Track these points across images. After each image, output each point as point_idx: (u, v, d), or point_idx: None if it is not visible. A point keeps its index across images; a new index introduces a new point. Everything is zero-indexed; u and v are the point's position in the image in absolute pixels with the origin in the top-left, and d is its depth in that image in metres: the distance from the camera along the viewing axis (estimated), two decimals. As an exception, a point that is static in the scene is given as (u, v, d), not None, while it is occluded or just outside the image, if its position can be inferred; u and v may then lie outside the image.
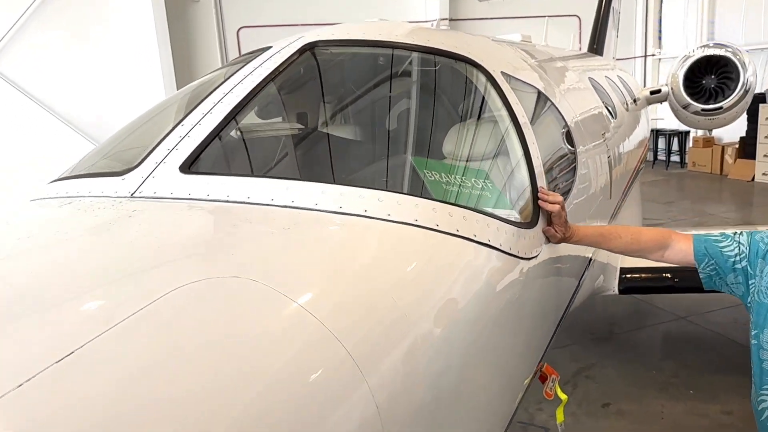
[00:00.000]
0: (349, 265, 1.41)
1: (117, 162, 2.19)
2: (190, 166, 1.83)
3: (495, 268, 1.77)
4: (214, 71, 2.80)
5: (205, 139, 1.91)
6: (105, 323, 1.02)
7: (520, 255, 1.91)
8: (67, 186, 2.00)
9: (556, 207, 2.15)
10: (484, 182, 2.10)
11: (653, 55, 15.58)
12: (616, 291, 4.08)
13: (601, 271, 3.78)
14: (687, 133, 14.06)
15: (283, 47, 2.36)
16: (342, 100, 2.73)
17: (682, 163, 14.36)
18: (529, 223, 2.07)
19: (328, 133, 2.53)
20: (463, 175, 2.10)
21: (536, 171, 2.23)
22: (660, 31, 15.68)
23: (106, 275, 1.26)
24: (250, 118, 2.38)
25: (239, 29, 12.59)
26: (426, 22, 12.99)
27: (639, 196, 6.47)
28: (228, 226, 1.54)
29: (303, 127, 2.51)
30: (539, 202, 2.16)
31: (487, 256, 1.74)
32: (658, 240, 2.25)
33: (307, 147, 2.51)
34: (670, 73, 7.03)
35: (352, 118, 2.68)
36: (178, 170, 1.81)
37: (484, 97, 2.45)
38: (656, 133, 14.12)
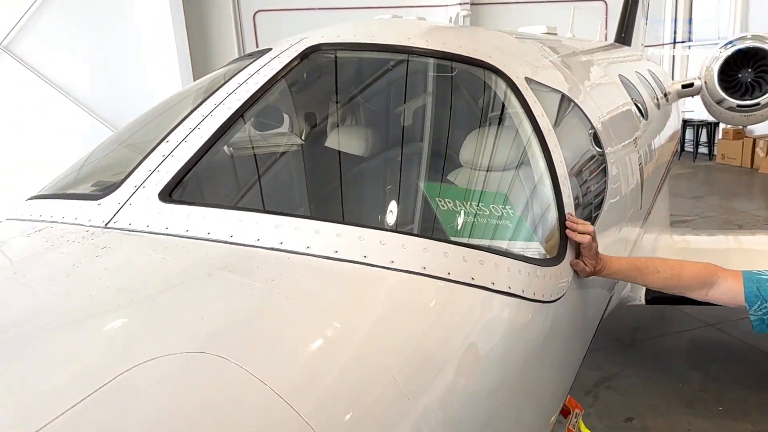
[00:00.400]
0: (342, 336, 1.18)
1: (101, 177, 2.01)
2: (171, 192, 1.63)
3: (515, 319, 1.54)
4: (216, 71, 2.57)
5: (190, 160, 1.71)
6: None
7: (544, 299, 1.67)
8: (43, 207, 1.82)
9: (587, 238, 1.91)
10: (503, 209, 1.86)
11: (683, 42, 15.01)
12: (643, 301, 3.86)
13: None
14: (716, 124, 13.55)
15: (283, 51, 2.12)
16: (346, 113, 2.48)
17: (711, 155, 13.86)
18: (554, 258, 1.83)
19: (328, 152, 2.27)
20: (480, 202, 1.86)
21: (564, 196, 1.98)
22: (690, 17, 15.10)
23: (51, 352, 1.06)
24: (246, 130, 2.15)
25: (256, 13, 12.36)
26: (448, 6, 12.63)
27: (667, 195, 6.16)
28: (203, 276, 1.32)
29: (301, 142, 2.24)
30: (567, 232, 1.91)
31: (507, 307, 1.51)
32: (701, 277, 1.99)
33: (305, 169, 2.25)
34: (704, 66, 6.65)
35: (356, 134, 2.43)
36: (158, 198, 1.61)
37: (505, 110, 2.20)
38: (684, 124, 13.63)
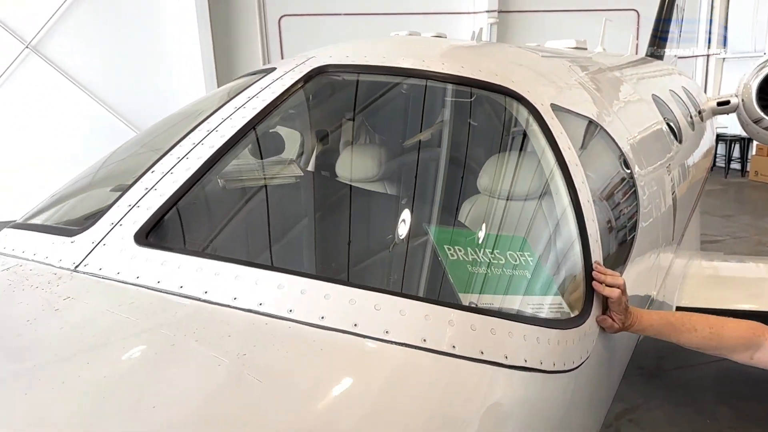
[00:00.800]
0: None
1: (86, 203, 1.85)
2: (149, 232, 1.46)
3: (530, 398, 1.33)
4: (224, 86, 2.40)
5: (174, 195, 1.54)
6: None
7: (565, 368, 1.46)
8: (18, 240, 1.68)
9: (616, 292, 1.69)
10: (521, 257, 1.65)
11: (717, 54, 14.55)
12: None
13: (656, 309, 3.31)
14: (750, 139, 13.09)
15: (287, 72, 1.95)
16: (352, 143, 2.28)
17: (743, 171, 13.39)
18: (578, 317, 1.61)
19: (328, 187, 2.07)
20: (495, 248, 1.65)
21: (591, 241, 1.76)
22: (726, 28, 14.63)
23: None
24: (243, 157, 1.97)
25: (281, 17, 12.29)
26: (474, 14, 12.38)
27: (698, 216, 5.86)
28: (165, 348, 1.13)
29: (300, 174, 2.03)
30: (594, 284, 1.70)
31: (521, 384, 1.30)
32: (745, 338, 1.76)
33: (299, 208, 2.05)
34: (741, 83, 6.32)
35: (362, 168, 2.23)
36: (133, 239, 1.45)
37: (527, 142, 1.99)
38: (716, 138, 13.19)
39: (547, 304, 1.60)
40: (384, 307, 1.23)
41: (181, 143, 1.71)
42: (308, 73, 1.92)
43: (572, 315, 1.62)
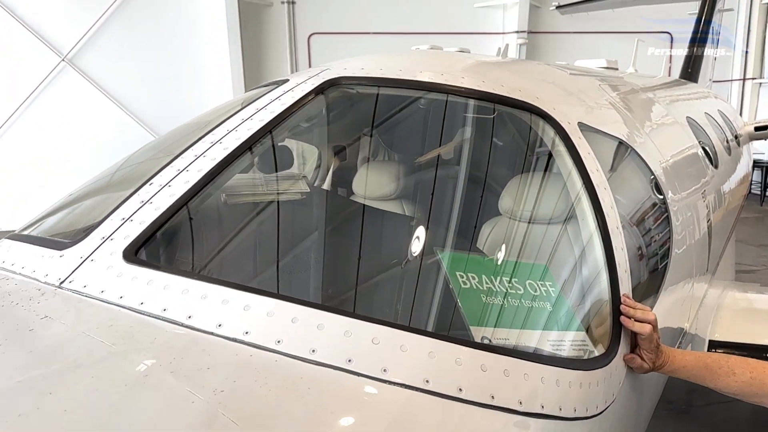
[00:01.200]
0: None
1: (83, 217, 1.77)
2: (138, 250, 1.36)
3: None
4: (236, 98, 2.31)
5: (169, 209, 1.44)
6: None
7: (587, 414, 1.31)
8: (12, 251, 1.61)
9: (647, 328, 1.53)
10: (542, 287, 1.50)
11: (754, 78, 14.18)
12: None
13: (688, 343, 3.10)
14: (774, 165, 12.70)
15: (298, 84, 1.85)
16: (365, 159, 2.16)
17: (763, 199, 12.95)
18: (604, 355, 1.46)
19: (334, 205, 1.94)
20: (513, 277, 1.51)
21: (619, 271, 1.61)
22: (763, 52, 14.27)
23: None
24: (248, 171, 1.87)
25: (310, 35, 12.39)
26: (504, 34, 12.29)
27: (733, 245, 5.59)
28: (137, 379, 1.02)
29: (306, 191, 1.90)
30: (622, 319, 1.54)
31: (537, 434, 1.15)
32: None
33: (301, 228, 1.91)
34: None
35: (374, 185, 2.11)
36: (122, 256, 1.35)
37: (552, 163, 1.85)
38: (752, 164, 12.78)
39: (569, 341, 1.45)
40: (383, 341, 1.10)
41: (183, 155, 1.62)
42: (320, 85, 1.82)
43: (597, 354, 1.47)
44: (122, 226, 1.43)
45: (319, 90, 1.81)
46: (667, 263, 2.14)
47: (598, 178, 1.77)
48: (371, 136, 2.06)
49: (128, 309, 1.22)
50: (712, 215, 3.31)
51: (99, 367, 1.05)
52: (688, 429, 4.63)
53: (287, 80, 1.94)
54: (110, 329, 1.16)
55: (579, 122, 1.94)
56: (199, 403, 0.95)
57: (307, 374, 1.04)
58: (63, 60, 10.35)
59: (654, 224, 2.19)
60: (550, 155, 1.86)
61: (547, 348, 1.41)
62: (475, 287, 1.41)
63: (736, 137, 5.41)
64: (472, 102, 1.86)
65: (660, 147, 2.67)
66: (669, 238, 2.22)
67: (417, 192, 2.07)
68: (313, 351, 1.07)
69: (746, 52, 14.27)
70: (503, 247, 1.78)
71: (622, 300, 1.58)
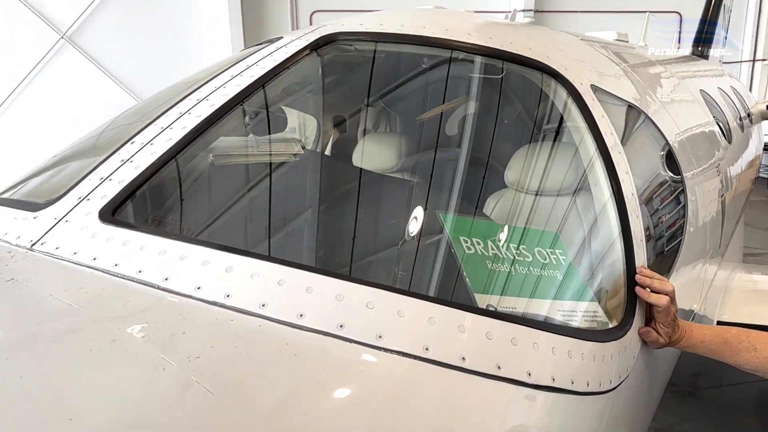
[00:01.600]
0: None
1: (63, 179, 1.67)
2: (116, 209, 1.26)
3: (558, 424, 1.08)
4: (226, 58, 2.18)
5: (149, 168, 1.33)
6: None
7: (601, 389, 1.20)
8: None
9: (664, 300, 1.43)
10: (552, 255, 1.39)
11: (764, 60, 13.94)
12: None
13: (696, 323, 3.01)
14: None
15: (293, 40, 1.73)
16: (362, 120, 2.04)
17: None
18: (618, 327, 1.35)
19: (328, 167, 1.81)
20: (521, 243, 1.40)
21: (635, 239, 1.50)
22: (773, 34, 14.01)
23: None
24: (238, 132, 1.75)
25: (313, 13, 12.18)
26: (509, 12, 12.07)
27: (742, 227, 5.47)
28: (103, 345, 0.92)
29: (298, 152, 1.77)
30: (637, 290, 1.44)
31: (548, 408, 1.05)
32: None
33: (293, 190, 1.79)
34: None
35: (372, 146, 1.98)
36: (98, 216, 1.24)
37: (564, 124, 1.73)
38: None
39: (580, 312, 1.34)
40: (378, 306, 0.99)
41: (167, 113, 1.51)
42: (316, 40, 1.69)
43: (611, 326, 1.36)
44: (100, 186, 1.32)
45: (315, 46, 1.69)
46: (681, 239, 2.03)
47: (612, 141, 1.65)
48: (368, 94, 1.91)
49: (101, 271, 1.12)
50: (726, 192, 3.19)
51: (63, 331, 0.95)
52: (693, 411, 4.55)
53: (281, 38, 1.82)
54: (79, 292, 1.06)
55: (592, 85, 1.82)
56: (170, 370, 0.85)
57: (294, 340, 0.94)
58: (62, 37, 10.24)
59: (669, 197, 2.07)
60: (561, 117, 1.74)
61: (558, 318, 1.30)
62: (480, 253, 1.29)
63: (748, 115, 5.27)
64: (478, 59, 1.74)
65: (675, 117, 2.55)
66: (684, 212, 2.11)
67: (415, 156, 1.95)
68: (301, 315, 0.97)
69: (756, 33, 14.02)
70: (510, 214, 1.67)
71: (637, 270, 1.47)
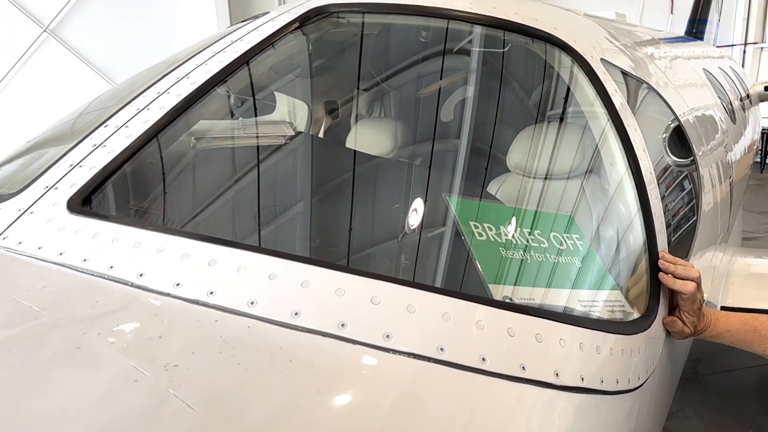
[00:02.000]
0: None
1: (28, 168, 1.53)
2: (86, 199, 1.12)
3: (587, 428, 0.96)
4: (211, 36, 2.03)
5: (124, 152, 1.20)
6: None
7: (630, 386, 1.08)
8: None
9: (690, 287, 1.31)
10: (568, 241, 1.27)
11: (756, 43, 13.86)
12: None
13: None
14: (776, 132, 12.49)
15: (281, 13, 1.59)
16: (357, 100, 1.90)
17: (763, 166, 12.76)
18: (643, 318, 1.23)
19: (320, 151, 1.66)
20: (535, 228, 1.27)
21: (656, 223, 1.39)
22: (765, 17, 13.94)
23: None
24: (222, 114, 1.61)
25: None
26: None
27: (741, 213, 5.39)
28: (67, 348, 0.78)
29: (289, 135, 1.63)
30: (661, 276, 1.32)
31: (577, 411, 0.93)
32: None
33: (284, 176, 1.64)
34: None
35: (367, 129, 1.84)
36: (66, 207, 1.11)
37: (575, 99, 1.61)
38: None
39: (603, 302, 1.22)
40: (384, 301, 0.87)
41: (144, 93, 1.38)
42: (305, 13, 1.56)
43: (635, 315, 1.24)
44: (69, 173, 1.19)
45: (304, 19, 1.55)
46: (696, 222, 1.92)
47: (627, 117, 1.53)
48: (359, 74, 1.76)
49: (68, 267, 0.99)
50: (732, 174, 3.09)
51: (20, 338, 0.82)
52: (694, 397, 4.47)
53: (268, 13, 1.69)
54: (42, 292, 0.92)
55: (602, 58, 1.70)
56: (144, 382, 0.71)
57: (289, 342, 0.81)
58: (45, 31, 10.01)
59: (683, 177, 1.96)
60: (569, 91, 1.62)
61: (579, 309, 1.18)
62: (492, 239, 1.17)
63: (747, 96, 5.17)
64: (482, 30, 1.60)
65: (683, 95, 2.43)
66: (698, 194, 1.99)
67: (419, 138, 1.82)
68: (296, 314, 0.84)
69: (747, 16, 13.94)
70: (519, 198, 1.55)
71: (660, 255, 1.35)
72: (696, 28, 6.77)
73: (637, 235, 1.39)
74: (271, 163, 1.54)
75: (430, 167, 1.67)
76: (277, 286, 0.88)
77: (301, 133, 1.72)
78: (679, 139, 2.04)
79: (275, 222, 1.35)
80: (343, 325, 0.83)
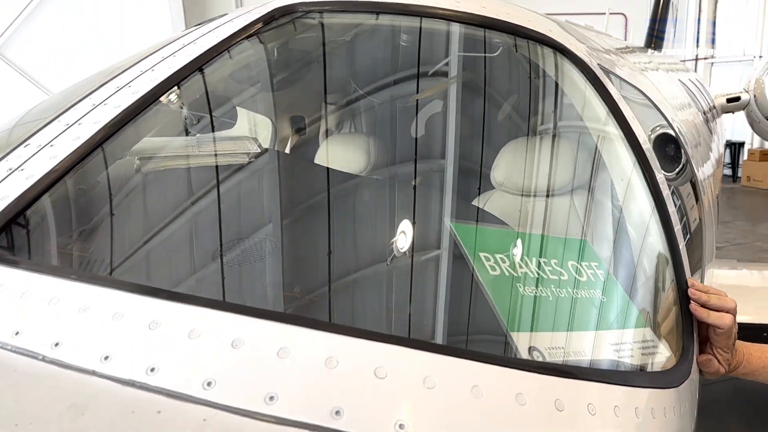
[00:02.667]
0: None
1: None
2: None
3: None
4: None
5: (45, 178, 0.95)
6: None
7: None
8: None
9: (728, 320, 1.13)
10: (587, 270, 1.08)
11: (706, 58, 14.26)
12: None
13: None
14: (741, 144, 12.84)
15: (242, 14, 1.37)
16: (324, 108, 1.67)
17: (735, 177, 13.09)
18: (681, 362, 1.04)
19: (286, 172, 1.39)
20: (547, 255, 1.08)
21: (678, 245, 1.21)
22: (714, 31, 14.36)
23: None
24: (176, 130, 1.37)
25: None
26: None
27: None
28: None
29: (252, 153, 1.37)
30: (693, 308, 1.13)
31: None
32: None
33: (248, 201, 1.38)
34: (752, 78, 5.88)
35: (339, 145, 1.62)
36: None
37: (576, 107, 1.43)
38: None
39: (634, 342, 1.02)
40: (393, 375, 0.64)
41: (76, 105, 1.13)
42: (270, 13, 1.34)
43: (667, 355, 1.05)
44: None
45: (268, 19, 1.33)
46: (702, 239, 1.76)
47: (638, 129, 1.36)
48: (324, 71, 1.52)
49: None
50: (714, 184, 2.99)
51: None
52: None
53: (225, 15, 1.47)
54: None
55: (599, 64, 1.53)
56: None
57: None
58: (-10, 51, 9.62)
59: (686, 194, 1.81)
60: (578, 105, 1.44)
61: (608, 356, 0.98)
62: (506, 273, 0.96)
63: (713, 107, 5.17)
64: (472, 31, 1.41)
65: (673, 104, 2.30)
66: (701, 208, 1.84)
67: (386, 158, 1.59)
68: (272, 399, 0.61)
69: (698, 31, 14.33)
70: (511, 218, 1.35)
71: (689, 283, 1.17)
72: (658, 28, 6.83)
73: (661, 260, 1.21)
74: (234, 189, 1.29)
75: (415, 186, 1.46)
76: (244, 356, 0.65)
77: (266, 150, 1.46)
78: (676, 152, 1.89)
79: (238, 260, 1.11)
80: (337, 412, 0.60)
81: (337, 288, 1.06)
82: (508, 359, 0.74)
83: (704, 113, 3.67)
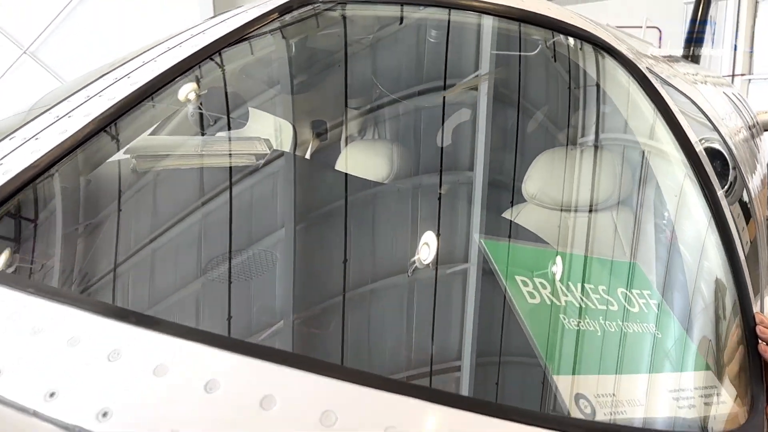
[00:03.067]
0: None
1: None
2: None
3: None
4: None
5: (21, 173, 0.84)
6: None
7: None
8: None
9: None
10: (639, 300, 0.92)
11: (743, 74, 13.87)
12: None
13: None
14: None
15: (258, 5, 1.26)
16: (344, 108, 1.54)
17: None
18: (753, 414, 0.88)
19: (302, 177, 1.24)
20: (592, 282, 0.92)
21: (744, 274, 1.05)
22: (752, 48, 13.98)
23: None
24: (181, 126, 1.25)
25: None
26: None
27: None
28: None
29: (264, 154, 1.23)
30: (762, 349, 0.97)
31: None
32: None
33: (256, 213, 1.21)
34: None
35: (359, 152, 1.48)
36: None
37: (620, 119, 1.28)
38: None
39: (698, 390, 0.86)
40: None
41: (71, 98, 1.02)
42: (285, 3, 1.22)
43: (742, 411, 0.89)
44: None
45: (285, 9, 1.21)
46: (758, 263, 1.59)
47: (695, 140, 1.20)
48: (345, 65, 1.37)
49: None
50: (762, 204, 2.79)
51: None
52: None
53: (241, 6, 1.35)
54: None
55: (647, 67, 1.38)
56: None
57: None
58: (24, 53, 9.80)
59: (737, 214, 1.64)
60: (630, 110, 1.29)
61: (675, 407, 0.82)
62: (547, 301, 0.81)
63: (756, 124, 4.93)
64: (509, 28, 1.27)
65: (723, 118, 2.13)
66: (757, 231, 1.67)
67: (411, 169, 1.44)
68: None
69: (735, 47, 13.96)
70: (560, 235, 1.20)
71: (757, 319, 1.01)
72: (698, 29, 6.63)
73: (721, 289, 1.05)
74: (245, 196, 1.15)
75: (440, 197, 1.31)
76: (229, 403, 0.51)
77: (281, 153, 1.32)
78: (723, 168, 1.73)
79: (241, 275, 0.97)
80: None
81: (350, 298, 0.91)
82: (554, 418, 0.59)
83: (749, 128, 3.46)
